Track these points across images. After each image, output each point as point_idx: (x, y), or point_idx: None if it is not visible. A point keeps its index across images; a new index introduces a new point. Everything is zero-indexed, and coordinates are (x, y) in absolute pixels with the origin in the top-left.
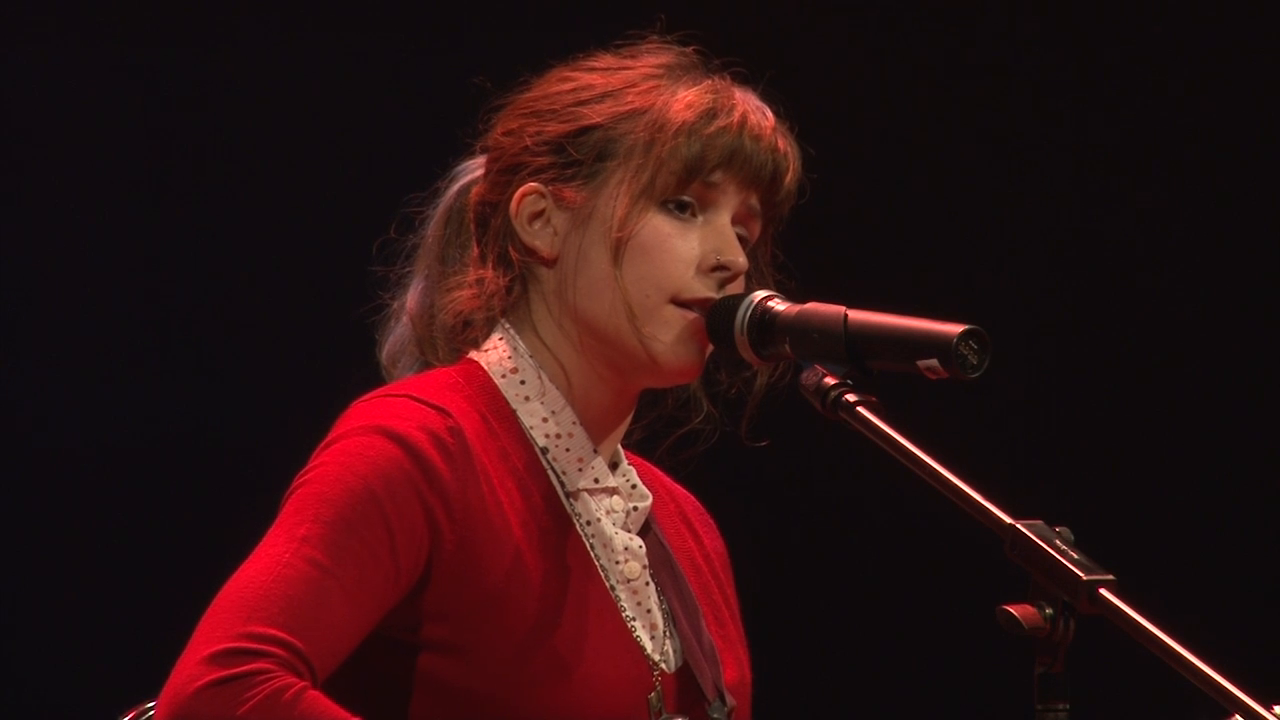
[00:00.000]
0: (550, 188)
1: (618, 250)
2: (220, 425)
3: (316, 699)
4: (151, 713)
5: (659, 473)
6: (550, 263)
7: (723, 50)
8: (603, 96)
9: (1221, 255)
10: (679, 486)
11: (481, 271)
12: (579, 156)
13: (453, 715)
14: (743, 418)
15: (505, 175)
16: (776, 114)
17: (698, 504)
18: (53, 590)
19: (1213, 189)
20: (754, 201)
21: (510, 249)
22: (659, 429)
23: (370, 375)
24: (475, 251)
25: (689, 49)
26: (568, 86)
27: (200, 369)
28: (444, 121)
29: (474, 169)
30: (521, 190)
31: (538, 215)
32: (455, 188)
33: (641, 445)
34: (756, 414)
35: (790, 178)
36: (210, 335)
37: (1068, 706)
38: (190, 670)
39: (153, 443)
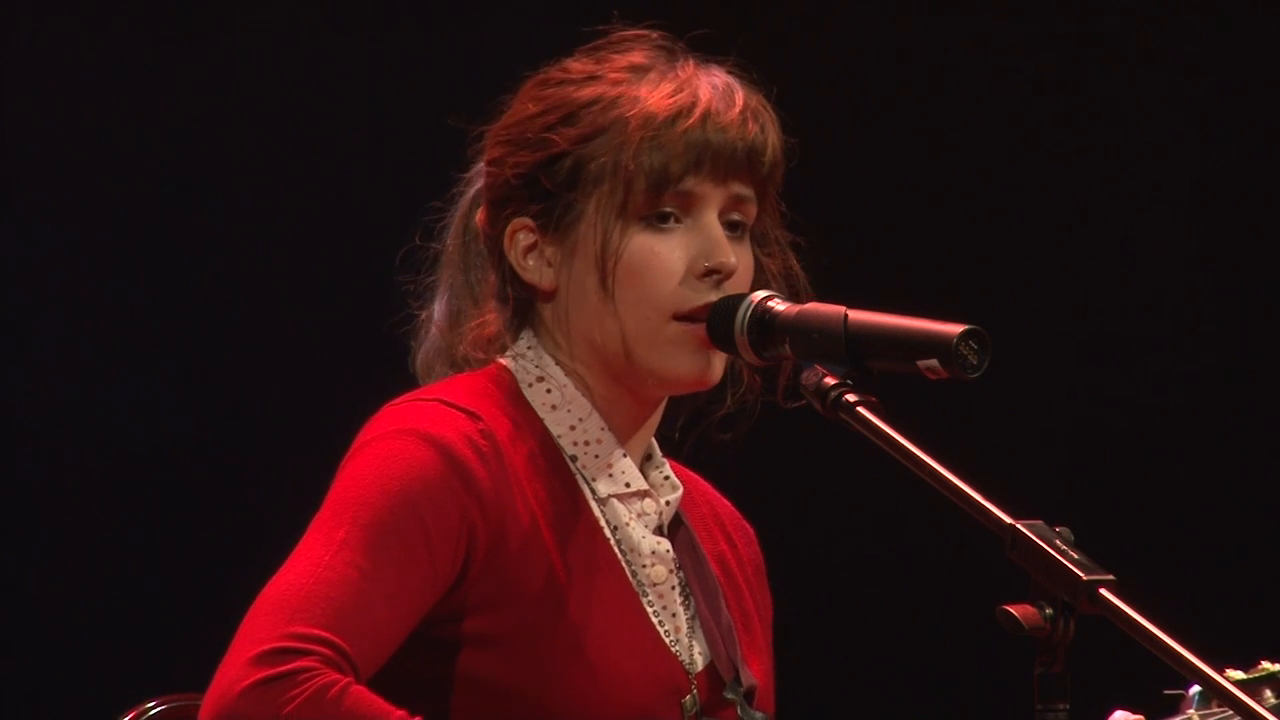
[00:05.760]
0: (537, 221)
1: (606, 279)
2: (223, 428)
3: (361, 693)
4: (152, 713)
5: (698, 478)
6: (550, 296)
7: (727, 36)
8: (568, 118)
9: (1222, 254)
10: (719, 494)
11: (492, 305)
12: (553, 187)
13: (488, 712)
14: (777, 387)
15: (496, 209)
16: (750, 82)
17: (736, 513)
18: (53, 590)
19: (1214, 188)
20: (738, 188)
21: (510, 289)
22: (701, 412)
23: (372, 379)
24: (492, 278)
25: (655, 35)
26: (536, 109)
27: (208, 373)
28: (462, 125)
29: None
30: (512, 227)
31: (530, 249)
32: (471, 193)
33: (683, 429)
34: (758, 406)
35: (770, 153)
36: (220, 339)
37: (1068, 706)
38: (235, 671)
39: (156, 445)
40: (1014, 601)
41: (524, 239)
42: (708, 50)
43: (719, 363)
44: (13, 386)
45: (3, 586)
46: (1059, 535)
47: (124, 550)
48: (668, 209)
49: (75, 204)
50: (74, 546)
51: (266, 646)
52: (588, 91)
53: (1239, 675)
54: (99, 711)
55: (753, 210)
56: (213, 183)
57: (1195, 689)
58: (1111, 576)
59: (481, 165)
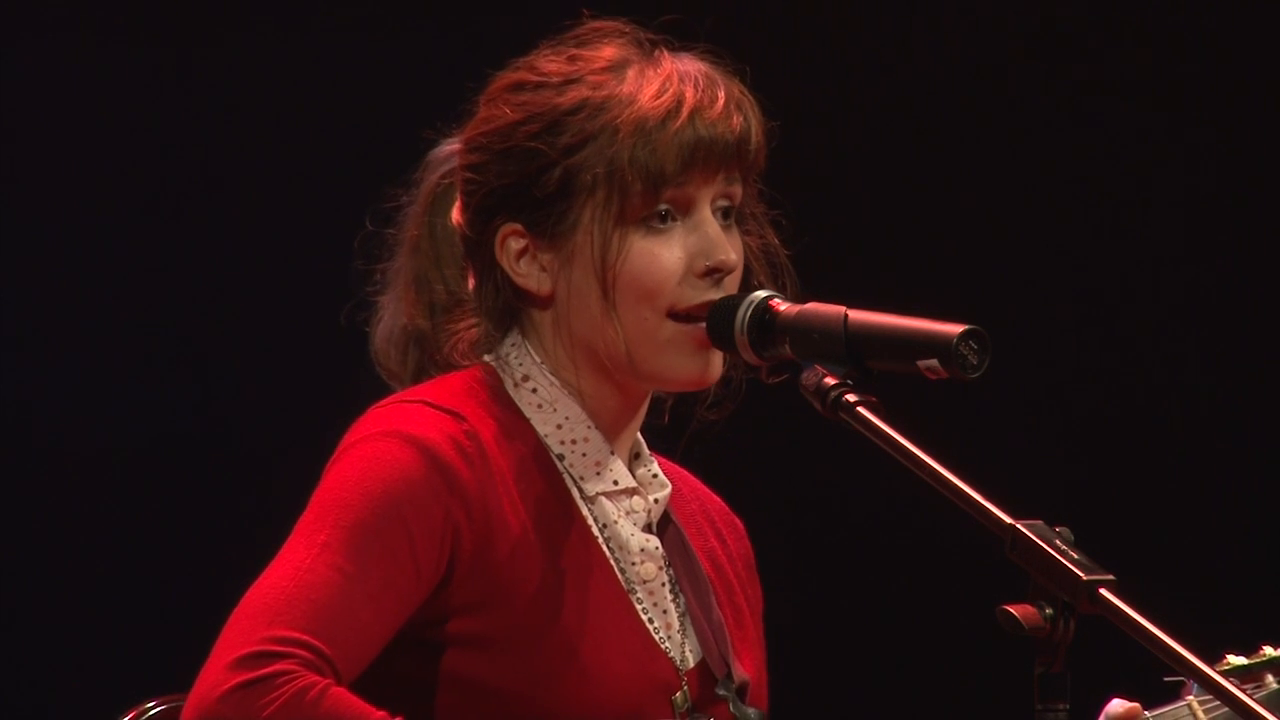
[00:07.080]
0: (527, 227)
1: (607, 289)
2: (220, 426)
3: (340, 695)
4: (152, 713)
5: (688, 474)
6: (547, 301)
7: (693, 21)
8: (553, 127)
9: (1220, 255)
10: (708, 490)
11: (476, 309)
12: (544, 197)
13: (477, 712)
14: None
15: (481, 216)
16: (726, 69)
17: (725, 508)
18: (53, 590)
19: (1213, 187)
20: (728, 175)
21: (503, 295)
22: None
23: (371, 379)
24: (472, 283)
25: (624, 27)
26: (516, 116)
27: (199, 370)
28: (421, 111)
29: (447, 155)
30: (502, 234)
31: (523, 253)
32: (433, 179)
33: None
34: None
35: (754, 139)
36: (210, 335)
37: (1068, 706)
38: (215, 676)
39: (153, 444)
40: (1014, 601)
41: (515, 244)
42: (674, 36)
43: (718, 361)
44: (12, 386)
45: (3, 586)
46: (1059, 535)
47: (123, 550)
48: (664, 209)
49: (70, 203)
50: (74, 546)
51: (246, 650)
52: (570, 96)
53: (1240, 660)
54: (99, 711)
55: (739, 193)
56: (209, 181)
57: None
58: (1111, 576)
59: (443, 150)
